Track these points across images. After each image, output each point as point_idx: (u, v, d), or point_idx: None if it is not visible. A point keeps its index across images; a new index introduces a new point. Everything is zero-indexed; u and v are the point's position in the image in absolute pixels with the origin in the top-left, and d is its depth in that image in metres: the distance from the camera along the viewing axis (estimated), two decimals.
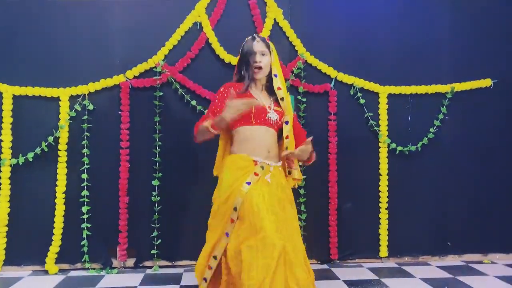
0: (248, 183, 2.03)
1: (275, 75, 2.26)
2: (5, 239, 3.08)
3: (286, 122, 2.22)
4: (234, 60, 3.20)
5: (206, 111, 2.51)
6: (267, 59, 2.23)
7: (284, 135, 2.21)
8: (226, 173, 2.15)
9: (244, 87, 2.20)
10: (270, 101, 2.25)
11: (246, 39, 2.29)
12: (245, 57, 2.23)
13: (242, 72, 2.25)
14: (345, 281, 2.90)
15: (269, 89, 2.29)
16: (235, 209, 2.00)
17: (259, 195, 1.99)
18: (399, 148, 3.40)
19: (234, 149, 2.20)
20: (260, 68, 2.21)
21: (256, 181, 2.05)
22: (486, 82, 3.50)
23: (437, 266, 3.29)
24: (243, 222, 1.97)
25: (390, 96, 3.41)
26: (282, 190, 2.13)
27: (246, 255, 1.84)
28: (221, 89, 2.26)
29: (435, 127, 3.43)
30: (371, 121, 3.37)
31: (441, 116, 3.44)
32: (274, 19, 3.29)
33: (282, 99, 2.25)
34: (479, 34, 3.51)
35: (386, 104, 3.40)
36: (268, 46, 2.26)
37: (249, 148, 2.15)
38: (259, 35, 2.30)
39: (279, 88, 2.25)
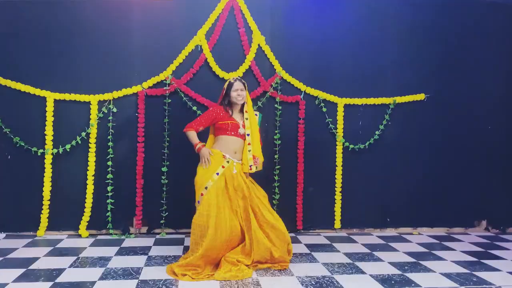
0: (217, 174, 3.18)
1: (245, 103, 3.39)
2: (48, 210, 3.97)
3: (248, 135, 3.32)
4: (226, 75, 4.09)
5: (198, 116, 3.47)
6: (244, 93, 3.32)
7: (246, 143, 3.33)
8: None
9: (229, 112, 3.34)
10: (242, 120, 3.33)
11: (230, 80, 3.34)
12: (229, 90, 3.31)
13: (226, 101, 3.34)
14: (305, 245, 3.89)
15: (242, 111, 3.39)
16: (205, 187, 3.16)
17: (218, 188, 3.17)
18: (351, 146, 4.35)
19: (214, 146, 3.34)
20: (241, 98, 3.30)
21: (222, 173, 3.19)
22: (421, 96, 4.46)
23: (377, 236, 4.31)
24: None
25: (346, 106, 4.35)
26: (242, 177, 3.27)
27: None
28: (210, 109, 3.41)
29: (380, 130, 4.39)
30: (330, 125, 4.32)
31: (384, 122, 4.40)
32: (258, 44, 4.18)
33: (247, 118, 3.34)
34: (416, 59, 4.44)
35: (343, 112, 4.33)
36: (244, 85, 3.34)
37: (223, 148, 3.28)
38: (239, 78, 3.36)
39: (246, 111, 3.36)
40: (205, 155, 3.22)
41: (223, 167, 3.22)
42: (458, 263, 3.48)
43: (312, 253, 3.64)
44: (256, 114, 3.47)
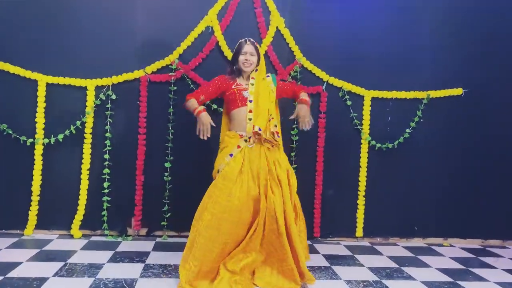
0: (231, 155, 2.74)
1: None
2: (37, 207, 3.57)
3: (250, 101, 2.83)
4: None
5: (200, 87, 3.13)
6: (255, 58, 2.85)
7: (247, 110, 2.81)
8: (220, 149, 2.88)
9: (235, 79, 2.93)
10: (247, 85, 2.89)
11: (240, 41, 2.88)
12: (237, 54, 2.85)
13: (234, 67, 2.88)
14: (324, 255, 3.44)
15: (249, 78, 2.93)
16: (218, 171, 2.78)
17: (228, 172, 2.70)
18: (378, 145, 3.88)
19: (230, 128, 2.92)
20: (249, 64, 2.84)
21: (236, 154, 2.74)
22: (458, 91, 3.97)
23: (403, 247, 3.84)
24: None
25: (374, 99, 3.87)
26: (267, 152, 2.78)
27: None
28: (216, 78, 2.95)
29: (410, 128, 3.92)
30: (355, 120, 3.85)
31: (416, 119, 3.92)
32: (277, 27, 3.72)
33: (252, 84, 2.88)
34: (454, 48, 3.94)
35: (370, 106, 3.86)
36: (256, 49, 2.87)
37: (237, 126, 2.84)
38: (250, 39, 2.89)
39: (252, 77, 2.90)
40: (203, 121, 2.73)
41: (238, 147, 2.76)
42: (502, 285, 2.99)
43: (332, 266, 3.18)
44: (268, 76, 2.99)
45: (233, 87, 2.87)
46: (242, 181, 2.68)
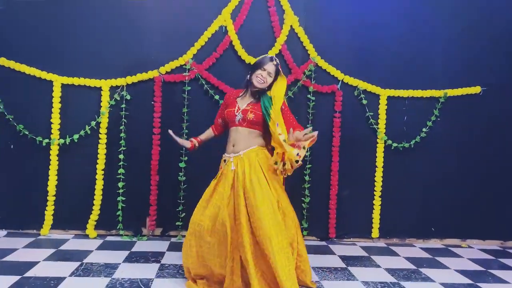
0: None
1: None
2: (53, 207, 3.60)
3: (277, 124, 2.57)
4: (253, 60, 3.60)
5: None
6: (270, 80, 2.68)
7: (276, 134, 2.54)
8: None
9: (241, 93, 2.79)
10: (248, 102, 2.71)
11: (265, 55, 2.72)
12: (257, 67, 2.68)
13: (248, 77, 2.72)
14: (340, 257, 3.40)
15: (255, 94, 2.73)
16: None
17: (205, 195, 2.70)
18: (394, 144, 3.83)
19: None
20: (262, 82, 2.65)
21: (219, 174, 2.68)
22: (476, 89, 3.89)
23: (420, 248, 3.78)
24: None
25: (389, 98, 3.82)
26: (254, 171, 2.56)
27: None
28: (225, 96, 2.90)
29: (427, 128, 3.86)
30: (371, 120, 3.80)
31: (433, 118, 3.86)
32: (291, 26, 3.69)
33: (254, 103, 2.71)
34: (471, 46, 3.87)
35: (386, 105, 3.81)
36: (277, 72, 2.70)
37: (227, 146, 2.75)
38: (276, 59, 2.69)
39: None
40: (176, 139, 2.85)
41: (220, 168, 2.73)
42: None
43: (349, 267, 3.14)
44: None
45: (231, 108, 2.74)
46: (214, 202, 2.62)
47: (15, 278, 2.64)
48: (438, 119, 3.88)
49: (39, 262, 2.95)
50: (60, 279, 2.66)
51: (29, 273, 2.74)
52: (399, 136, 3.85)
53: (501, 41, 3.89)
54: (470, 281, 2.99)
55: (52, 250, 3.22)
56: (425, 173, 3.89)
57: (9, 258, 3.01)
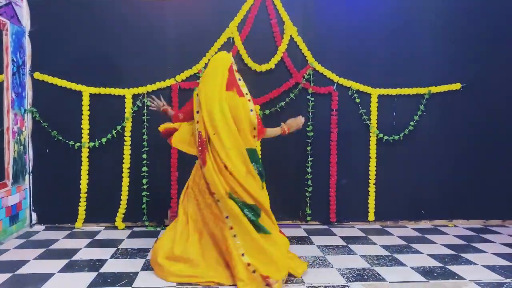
0: None
1: None
2: (85, 203, 4.05)
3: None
4: (258, 67, 4.09)
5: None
6: None
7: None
8: None
9: None
10: None
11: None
12: None
13: None
14: (340, 237, 3.87)
15: None
16: None
17: None
18: (386, 137, 4.29)
19: None
20: None
21: None
22: (457, 86, 4.35)
23: (412, 228, 4.24)
24: None
25: (380, 96, 4.28)
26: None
27: None
28: None
29: (414, 121, 4.31)
30: (364, 116, 4.26)
31: (419, 113, 4.31)
32: (290, 35, 4.14)
33: None
34: (452, 46, 4.32)
35: (376, 102, 4.27)
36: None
37: None
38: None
39: None
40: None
41: None
42: (500, 255, 3.39)
43: (349, 245, 3.61)
44: None
45: None
46: None
47: (65, 261, 3.11)
48: (424, 113, 4.33)
49: (80, 249, 3.41)
50: (103, 261, 3.13)
51: (75, 257, 3.20)
52: (390, 130, 4.32)
53: (479, 43, 4.34)
54: (453, 252, 3.46)
55: (89, 240, 3.67)
56: (414, 162, 4.35)
57: (53, 246, 3.47)
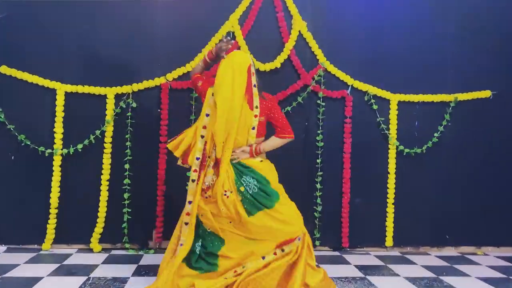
0: None
1: None
2: (55, 220, 3.45)
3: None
4: (262, 66, 3.56)
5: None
6: None
7: None
8: None
9: None
10: None
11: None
12: None
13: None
14: (356, 266, 3.28)
15: None
16: None
17: None
18: (406, 150, 3.75)
19: None
20: None
21: None
22: (486, 93, 3.85)
23: (436, 256, 3.67)
24: None
25: (400, 103, 3.76)
26: None
27: None
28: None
29: (439, 132, 3.78)
30: (382, 125, 3.73)
31: (444, 123, 3.79)
32: (299, 31, 3.63)
33: None
34: (481, 50, 3.83)
35: (396, 110, 3.74)
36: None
37: None
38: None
39: None
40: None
41: None
42: None
43: (367, 277, 3.02)
44: None
45: None
46: None
47: None
48: (449, 123, 3.81)
49: (43, 277, 2.80)
50: None
51: None
52: (411, 141, 3.78)
53: (511, 44, 3.87)
54: None
55: (56, 265, 3.06)
56: (439, 179, 3.81)
57: (11, 274, 2.86)
